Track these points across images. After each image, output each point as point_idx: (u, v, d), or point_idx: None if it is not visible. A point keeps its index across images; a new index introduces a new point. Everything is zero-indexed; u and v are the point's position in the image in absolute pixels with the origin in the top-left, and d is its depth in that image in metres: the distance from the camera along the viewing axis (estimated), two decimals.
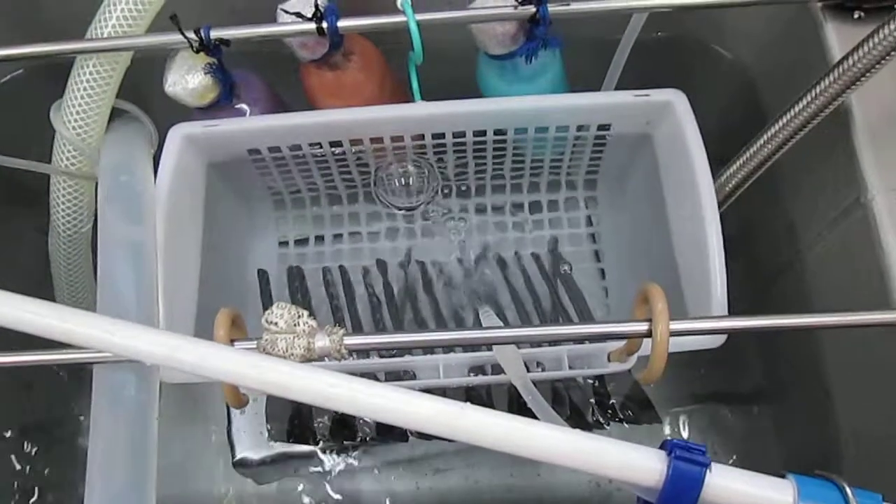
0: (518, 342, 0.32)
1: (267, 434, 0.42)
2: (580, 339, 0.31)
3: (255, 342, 0.32)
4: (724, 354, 0.37)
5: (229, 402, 0.33)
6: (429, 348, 0.39)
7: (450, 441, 0.44)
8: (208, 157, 0.46)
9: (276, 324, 0.32)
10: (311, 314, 0.32)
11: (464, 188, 0.53)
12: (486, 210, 0.53)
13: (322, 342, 0.32)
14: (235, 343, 0.32)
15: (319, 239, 0.54)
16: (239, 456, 0.50)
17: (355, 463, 0.53)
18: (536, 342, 0.34)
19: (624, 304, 0.50)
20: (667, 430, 0.54)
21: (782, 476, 0.26)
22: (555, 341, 0.33)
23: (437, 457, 0.57)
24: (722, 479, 0.25)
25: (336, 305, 0.50)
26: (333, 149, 0.47)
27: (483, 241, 0.52)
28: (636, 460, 0.25)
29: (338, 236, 0.54)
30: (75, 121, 0.43)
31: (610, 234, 0.52)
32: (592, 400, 0.44)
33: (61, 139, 0.43)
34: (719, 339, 0.38)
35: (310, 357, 0.31)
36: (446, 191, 0.53)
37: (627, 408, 0.45)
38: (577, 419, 0.45)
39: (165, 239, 0.40)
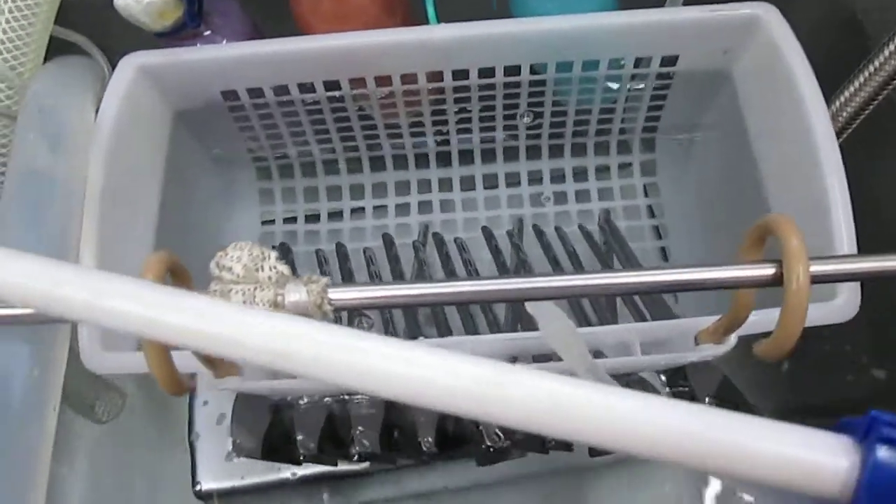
0: (586, 294, 0.22)
1: (231, 448, 0.32)
2: (678, 288, 0.22)
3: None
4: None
5: (160, 382, 0.24)
6: (442, 304, 0.29)
7: (479, 464, 0.36)
8: (173, 101, 0.38)
9: (230, 269, 0.23)
10: (283, 259, 0.23)
11: (491, 151, 0.44)
12: (519, 180, 0.44)
13: (296, 295, 0.22)
14: None
15: (313, 217, 0.45)
16: (201, 486, 0.40)
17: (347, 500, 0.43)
18: (613, 292, 0.24)
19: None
20: None
21: None
22: (634, 292, 0.23)
23: (456, 495, 0.46)
24: None
25: None
26: (329, 93, 0.39)
27: (516, 216, 0.43)
28: (807, 450, 0.15)
29: (335, 214, 0.45)
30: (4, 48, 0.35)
31: (674, 205, 0.43)
32: None
33: None
34: (850, 310, 0.29)
35: None
36: (469, 155, 0.44)
37: None
38: None
39: (104, 182, 0.31)
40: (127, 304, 0.18)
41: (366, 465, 0.40)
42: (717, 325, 0.27)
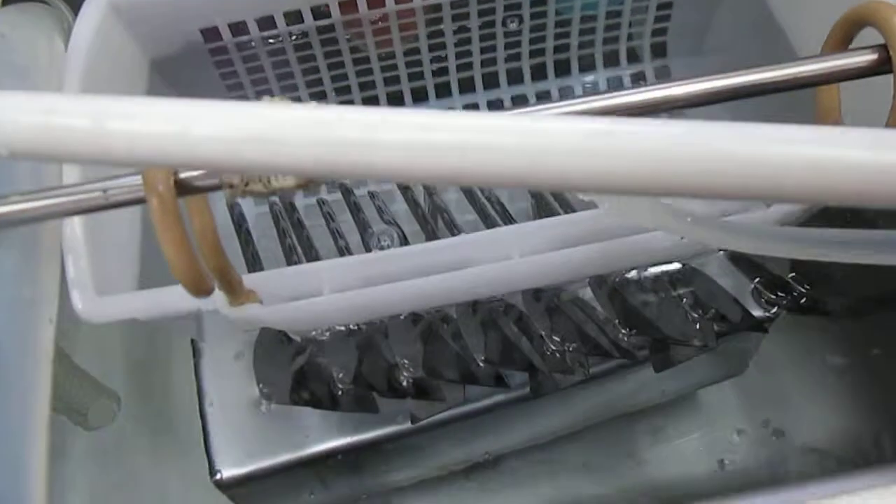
0: (642, 107, 0.19)
1: (259, 394, 0.28)
2: (756, 91, 0.19)
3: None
4: None
5: (181, 275, 0.20)
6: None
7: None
8: (149, 45, 0.35)
9: None
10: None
11: (494, 75, 0.42)
12: (527, 104, 0.41)
13: None
14: (181, 172, 0.19)
15: None
16: (221, 473, 0.36)
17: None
18: (676, 104, 0.21)
19: None
20: None
21: None
22: (704, 102, 0.20)
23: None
24: None
25: (344, 246, 0.38)
26: (319, 21, 0.36)
27: None
28: None
29: None
30: None
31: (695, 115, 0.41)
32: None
33: None
34: None
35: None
36: (470, 82, 0.42)
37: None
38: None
39: None
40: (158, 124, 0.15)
41: (406, 426, 0.36)
42: None
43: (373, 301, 0.26)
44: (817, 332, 0.46)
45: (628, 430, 0.46)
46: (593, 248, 0.25)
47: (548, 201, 0.36)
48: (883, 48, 0.19)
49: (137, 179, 0.19)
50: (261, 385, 0.27)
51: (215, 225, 0.22)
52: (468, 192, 0.38)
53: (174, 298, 0.26)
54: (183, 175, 0.19)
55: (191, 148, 0.15)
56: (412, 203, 0.38)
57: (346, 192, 0.40)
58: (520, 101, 0.42)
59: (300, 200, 0.41)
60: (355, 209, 0.39)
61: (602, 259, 0.26)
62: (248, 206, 0.40)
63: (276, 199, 0.41)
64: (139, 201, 0.20)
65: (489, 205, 0.37)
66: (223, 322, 0.29)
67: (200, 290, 0.21)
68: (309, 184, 0.19)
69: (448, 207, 0.37)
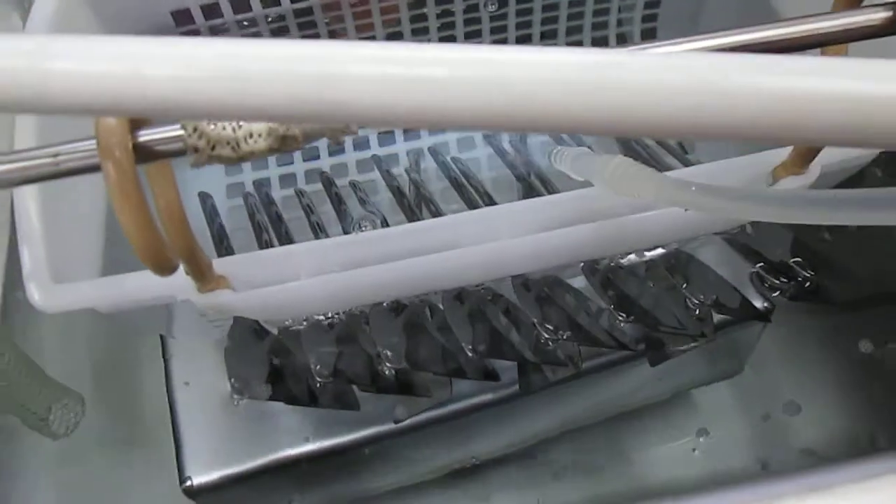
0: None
1: (231, 390, 0.26)
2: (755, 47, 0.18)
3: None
4: None
5: (141, 251, 0.18)
6: None
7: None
8: (116, 29, 0.33)
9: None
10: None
11: None
12: None
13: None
14: (139, 135, 0.18)
15: (284, 158, 0.40)
16: (191, 480, 0.34)
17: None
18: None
19: None
20: None
21: None
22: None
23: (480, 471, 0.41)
24: None
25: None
26: (296, 4, 0.35)
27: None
28: None
29: (311, 149, 0.40)
30: None
31: None
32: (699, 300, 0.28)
33: None
34: None
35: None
36: None
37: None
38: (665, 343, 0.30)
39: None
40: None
41: (388, 426, 0.34)
42: (799, 149, 0.24)
43: (352, 286, 0.24)
44: (813, 331, 0.45)
45: (621, 431, 0.44)
46: (586, 229, 0.24)
47: (538, 190, 0.34)
48: (891, 4, 0.18)
49: (91, 144, 0.18)
50: (232, 380, 0.25)
51: (181, 200, 0.20)
52: (455, 182, 0.37)
53: (137, 285, 0.24)
54: (142, 138, 0.18)
55: (143, 89, 0.13)
56: (397, 193, 0.37)
57: (328, 182, 0.39)
58: None
59: (278, 192, 0.39)
60: (336, 201, 0.38)
61: (595, 240, 0.24)
62: (220, 198, 0.39)
63: (251, 191, 0.40)
64: (94, 168, 0.18)
65: (476, 195, 0.35)
66: (195, 316, 0.28)
67: (163, 267, 0.19)
68: (282, 146, 0.18)
69: (434, 198, 0.36)
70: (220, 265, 0.24)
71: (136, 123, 0.18)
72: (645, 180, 0.21)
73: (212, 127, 0.17)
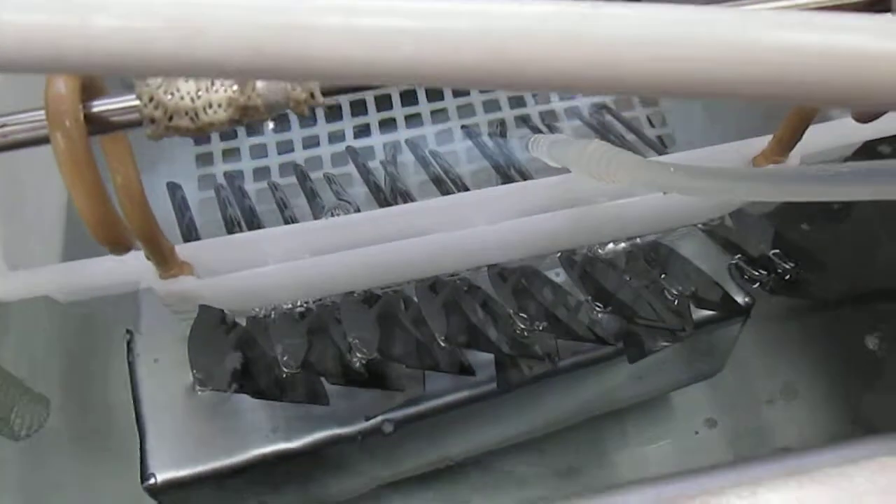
0: None
1: (193, 381, 0.25)
2: None
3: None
4: None
5: (94, 231, 0.18)
6: None
7: None
8: None
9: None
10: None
11: None
12: None
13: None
14: (92, 105, 0.17)
15: (257, 151, 0.39)
16: (155, 478, 0.33)
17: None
18: None
19: None
20: None
21: None
22: None
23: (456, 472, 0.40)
24: None
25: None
26: None
27: (496, 120, 0.39)
28: None
29: (285, 143, 0.39)
30: None
31: None
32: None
33: None
34: None
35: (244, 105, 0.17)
36: None
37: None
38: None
39: None
40: None
41: (358, 427, 0.33)
42: (780, 137, 0.23)
43: (322, 272, 0.23)
44: (790, 333, 0.45)
45: (599, 433, 0.44)
46: (563, 215, 0.23)
47: (514, 179, 0.34)
48: None
49: (40, 114, 0.17)
50: (195, 370, 0.24)
51: (139, 177, 0.19)
52: (433, 176, 0.36)
53: (96, 271, 0.23)
54: (96, 108, 0.17)
55: (89, 41, 0.12)
56: (373, 187, 0.36)
57: (302, 176, 0.38)
58: (491, 107, 0.40)
59: (251, 185, 0.38)
60: (311, 194, 0.37)
61: (573, 227, 0.24)
62: (191, 190, 0.38)
63: (223, 182, 0.39)
64: (43, 140, 0.17)
65: (455, 188, 0.35)
66: (161, 308, 0.27)
67: (117, 243, 0.18)
68: (244, 117, 0.17)
69: (411, 192, 0.35)
70: (183, 251, 0.23)
71: (89, 93, 0.17)
72: (622, 163, 0.21)
73: (169, 97, 0.17)
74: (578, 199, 0.24)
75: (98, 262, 0.23)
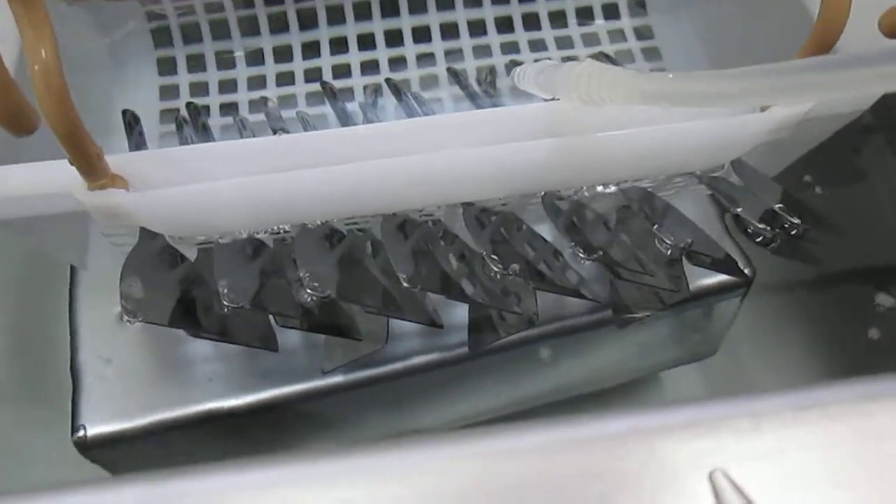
0: None
1: (122, 310, 0.23)
2: None
3: None
4: None
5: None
6: None
7: None
8: None
9: None
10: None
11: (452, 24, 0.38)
12: (485, 29, 0.37)
13: None
14: None
15: (227, 86, 0.37)
16: (85, 430, 0.30)
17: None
18: None
19: None
20: None
21: None
22: None
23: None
24: None
25: None
26: None
27: (485, 67, 0.36)
28: None
29: (257, 78, 0.37)
30: None
31: (676, 42, 0.37)
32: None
33: None
34: None
35: None
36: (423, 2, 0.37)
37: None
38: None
39: None
40: None
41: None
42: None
43: (275, 192, 0.21)
44: (785, 314, 0.43)
45: (585, 412, 0.41)
46: (549, 145, 0.21)
47: None
48: None
49: None
50: (123, 299, 0.22)
51: (56, 46, 0.17)
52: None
53: (15, 179, 0.21)
54: None
55: None
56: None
57: (273, 115, 0.35)
58: (478, 26, 0.38)
59: (215, 119, 0.36)
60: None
61: (559, 160, 0.22)
62: (152, 125, 0.35)
63: (185, 115, 0.36)
64: None
65: None
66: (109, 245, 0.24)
67: (16, 121, 0.15)
68: None
69: None
70: (115, 163, 0.21)
71: None
72: (616, 80, 0.19)
73: None
74: (567, 127, 0.21)
75: (15, 169, 0.21)
